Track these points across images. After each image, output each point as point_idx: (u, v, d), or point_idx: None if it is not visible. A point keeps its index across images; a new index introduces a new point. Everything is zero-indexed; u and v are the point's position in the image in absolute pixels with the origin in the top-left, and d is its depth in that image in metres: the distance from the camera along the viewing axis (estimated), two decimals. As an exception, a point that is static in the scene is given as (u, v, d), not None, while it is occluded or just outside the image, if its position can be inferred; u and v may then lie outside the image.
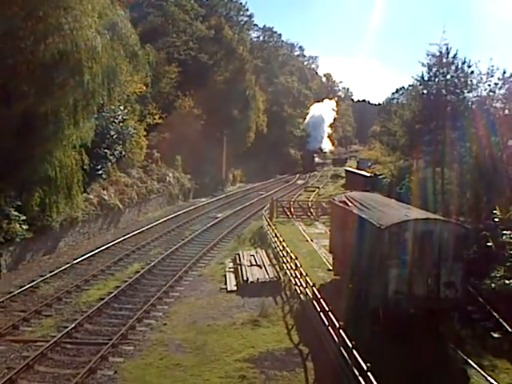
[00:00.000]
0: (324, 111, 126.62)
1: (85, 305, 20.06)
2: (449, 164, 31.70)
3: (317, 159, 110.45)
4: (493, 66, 29.84)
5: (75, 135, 26.92)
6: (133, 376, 14.13)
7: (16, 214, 25.16)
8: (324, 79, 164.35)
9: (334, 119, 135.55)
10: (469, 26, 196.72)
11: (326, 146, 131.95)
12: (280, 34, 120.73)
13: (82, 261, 26.67)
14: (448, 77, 30.97)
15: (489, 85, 30.11)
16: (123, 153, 39.49)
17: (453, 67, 30.80)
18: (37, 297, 20.99)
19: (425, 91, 32.38)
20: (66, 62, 24.36)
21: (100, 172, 36.18)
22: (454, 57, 30.65)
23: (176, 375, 14.15)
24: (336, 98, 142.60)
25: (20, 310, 19.14)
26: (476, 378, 14.21)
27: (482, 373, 14.40)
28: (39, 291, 21.76)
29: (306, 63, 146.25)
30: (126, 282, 22.90)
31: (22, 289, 21.41)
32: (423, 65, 31.23)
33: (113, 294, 20.91)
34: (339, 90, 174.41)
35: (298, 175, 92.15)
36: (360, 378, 11.81)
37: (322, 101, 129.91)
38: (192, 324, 18.21)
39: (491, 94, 30.36)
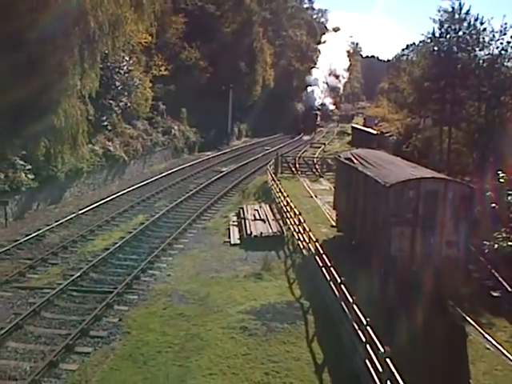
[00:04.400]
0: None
1: (90, 254, 20.29)
2: (457, 123, 31.42)
3: (319, 118, 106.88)
4: (506, 24, 29.19)
5: (80, 85, 26.70)
6: (137, 324, 14.43)
7: (22, 163, 25.24)
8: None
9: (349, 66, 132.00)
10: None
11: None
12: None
13: (87, 211, 26.89)
14: (460, 34, 30.35)
15: (501, 43, 29.53)
16: (128, 104, 39.23)
17: (465, 24, 30.18)
18: (43, 245, 21.24)
19: (435, 48, 31.79)
20: (70, 10, 23.92)
21: (105, 123, 36.08)
22: (467, 13, 30.03)
23: (179, 324, 14.45)
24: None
25: (26, 258, 19.41)
26: (473, 335, 14.49)
27: (480, 330, 14.68)
28: (45, 240, 22.00)
29: (315, 16, 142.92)
30: (130, 233, 23.09)
31: (28, 237, 21.63)
32: (434, 21, 30.68)
33: (118, 245, 21.11)
34: (347, 45, 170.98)
35: (301, 134, 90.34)
36: (359, 332, 12.03)
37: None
38: (195, 276, 18.46)
39: (503, 52, 29.78)
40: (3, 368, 11.87)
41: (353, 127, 79.09)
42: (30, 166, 25.61)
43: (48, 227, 23.30)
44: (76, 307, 15.49)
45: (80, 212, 26.38)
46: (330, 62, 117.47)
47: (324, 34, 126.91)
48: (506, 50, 29.73)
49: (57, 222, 24.29)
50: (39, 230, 22.79)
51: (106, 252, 20.14)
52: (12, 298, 15.84)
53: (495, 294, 16.93)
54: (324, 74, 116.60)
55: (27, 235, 21.88)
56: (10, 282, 16.93)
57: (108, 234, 23.29)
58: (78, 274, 17.63)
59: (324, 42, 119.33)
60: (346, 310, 13.43)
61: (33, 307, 14.84)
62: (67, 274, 17.97)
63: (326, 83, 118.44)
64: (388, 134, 55.58)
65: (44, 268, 18.66)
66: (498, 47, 29.71)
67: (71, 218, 25.20)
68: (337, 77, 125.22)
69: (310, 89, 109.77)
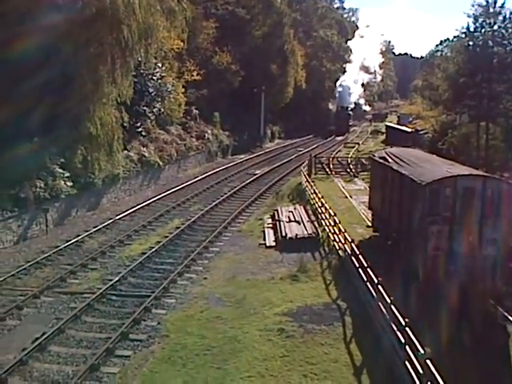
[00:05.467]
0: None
1: (128, 259, 20.60)
2: (494, 118, 30.75)
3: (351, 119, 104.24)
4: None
5: (114, 92, 27.19)
6: (175, 327, 14.58)
7: (60, 171, 25.81)
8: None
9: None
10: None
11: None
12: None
13: (124, 216, 27.34)
14: (495, 27, 29.76)
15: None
16: (162, 110, 39.72)
17: (500, 17, 29.59)
18: (82, 251, 21.68)
19: (470, 43, 31.24)
20: (103, 19, 24.39)
21: (139, 129, 36.64)
22: (502, 6, 29.42)
23: (217, 327, 14.53)
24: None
25: (67, 264, 19.85)
26: (516, 335, 14.14)
27: (523, 329, 14.31)
28: (84, 245, 22.47)
29: (345, 16, 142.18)
30: (166, 237, 23.36)
31: (68, 243, 22.13)
32: (469, 15, 30.10)
33: (154, 249, 21.40)
34: (380, 43, 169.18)
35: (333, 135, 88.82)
36: (398, 333, 11.88)
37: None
38: (232, 278, 18.53)
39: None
40: (46, 372, 12.18)
41: (387, 126, 78.27)
42: (68, 174, 26.19)
43: (87, 233, 23.78)
44: (115, 311, 15.77)
45: (117, 218, 26.83)
46: (363, 58, 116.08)
47: (355, 32, 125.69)
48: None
49: (95, 227, 24.77)
50: (78, 236, 23.28)
51: (143, 256, 20.44)
52: (54, 303, 16.22)
53: (538, 293, 16.46)
54: (357, 73, 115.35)
55: (67, 241, 22.39)
56: (52, 287, 17.33)
57: (144, 239, 23.62)
58: (117, 278, 17.94)
59: (362, 37, 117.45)
60: (384, 310, 13.29)
61: (74, 312, 15.17)
62: (106, 278, 18.31)
63: (362, 84, 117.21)
64: (423, 132, 54.74)
65: (84, 273, 19.03)
66: (535, 40, 29.06)
67: (109, 224, 25.65)
68: (370, 73, 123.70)
69: (342, 89, 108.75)
